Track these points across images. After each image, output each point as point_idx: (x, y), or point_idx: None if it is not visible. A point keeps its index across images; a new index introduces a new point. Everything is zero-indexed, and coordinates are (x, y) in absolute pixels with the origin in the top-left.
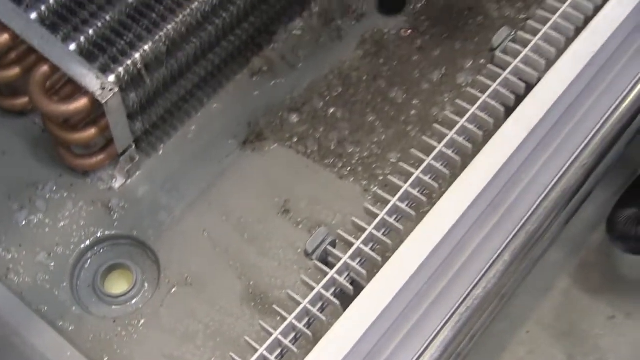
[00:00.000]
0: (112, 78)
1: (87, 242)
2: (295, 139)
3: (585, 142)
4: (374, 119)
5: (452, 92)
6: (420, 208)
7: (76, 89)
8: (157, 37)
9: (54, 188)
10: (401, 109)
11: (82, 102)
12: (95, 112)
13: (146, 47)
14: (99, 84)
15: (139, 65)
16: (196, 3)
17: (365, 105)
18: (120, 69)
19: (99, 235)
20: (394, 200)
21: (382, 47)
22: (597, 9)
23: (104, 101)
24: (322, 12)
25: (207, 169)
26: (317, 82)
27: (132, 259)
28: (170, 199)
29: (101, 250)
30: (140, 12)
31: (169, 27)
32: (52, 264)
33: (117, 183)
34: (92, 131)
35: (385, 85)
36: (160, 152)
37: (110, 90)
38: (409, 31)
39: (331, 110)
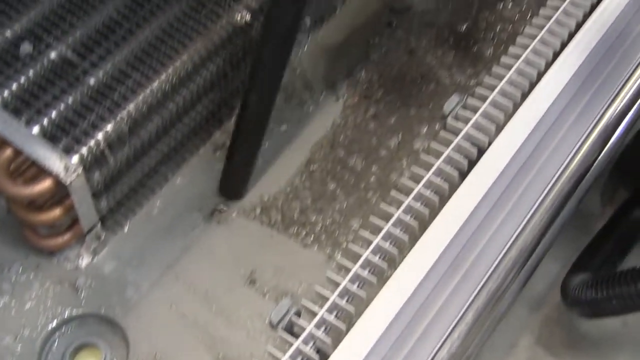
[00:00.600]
0: (75, 159)
1: (54, 323)
2: (258, 210)
3: (539, 201)
4: (335, 187)
5: (410, 157)
6: (382, 273)
7: (40, 171)
8: (119, 117)
9: (20, 270)
10: (361, 176)
11: (46, 184)
12: (60, 193)
13: (108, 128)
14: (62, 165)
15: (102, 146)
16: (156, 82)
17: (326, 174)
18: (84, 150)
19: (66, 315)
20: (355, 268)
21: (340, 116)
22: (540, 75)
23: (68, 182)
24: (283, 86)
25: (173, 244)
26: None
27: (100, 337)
28: (137, 274)
29: (69, 330)
30: (102, 93)
31: (131, 106)
32: (19, 348)
33: (84, 261)
34: (57, 211)
35: (344, 153)
36: (126, 228)
37: (74, 171)
38: (356, 99)
39: (293, 180)
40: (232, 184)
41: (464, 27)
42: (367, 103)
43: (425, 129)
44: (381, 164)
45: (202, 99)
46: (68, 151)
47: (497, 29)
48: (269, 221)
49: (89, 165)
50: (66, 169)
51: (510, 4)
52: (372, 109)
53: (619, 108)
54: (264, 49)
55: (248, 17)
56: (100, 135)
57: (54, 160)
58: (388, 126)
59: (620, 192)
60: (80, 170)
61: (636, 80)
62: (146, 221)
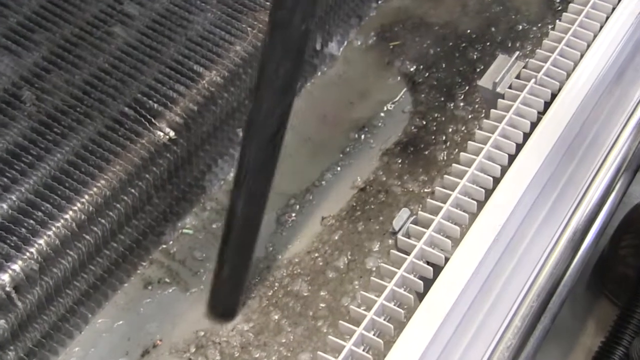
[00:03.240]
0: None
1: None
2: (193, 348)
3: (506, 322)
4: (279, 317)
5: (363, 278)
6: None
7: None
8: (27, 255)
9: None
10: (308, 302)
11: None
12: None
13: (15, 267)
14: None
15: (7, 288)
16: (70, 212)
17: (266, 301)
18: None
19: None
20: None
21: None
22: (497, 181)
23: None
24: (218, 208)
25: None
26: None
27: None
28: None
29: None
30: (6, 229)
31: (41, 242)
32: None
33: None
34: None
35: (287, 277)
36: None
37: None
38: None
39: None
40: (224, 302)
41: (414, 129)
42: None
43: (377, 246)
44: (330, 287)
45: (125, 227)
46: None
47: (449, 131)
48: None
49: None
50: None
51: (461, 103)
52: None
53: (587, 209)
54: (247, 151)
55: (172, 134)
56: (5, 277)
57: None
58: (332, 244)
59: (602, 302)
60: None
61: (603, 179)
62: None
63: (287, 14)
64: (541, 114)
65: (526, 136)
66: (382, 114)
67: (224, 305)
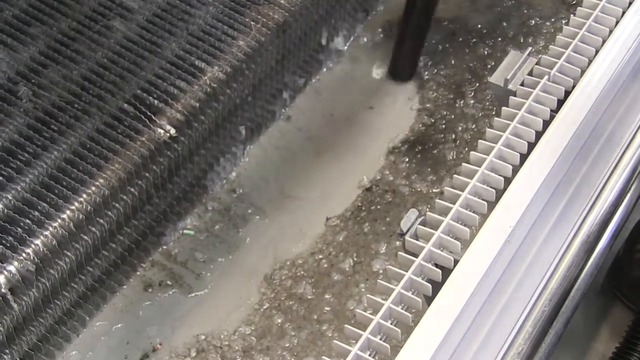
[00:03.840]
0: None
1: None
2: (193, 352)
3: (517, 327)
4: (282, 320)
5: (369, 280)
6: None
7: None
8: (23, 255)
9: None
10: (312, 305)
11: None
12: None
13: (11, 268)
14: None
15: (3, 290)
16: (68, 212)
17: (268, 304)
18: None
19: None
20: None
21: None
22: (508, 181)
23: None
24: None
25: None
26: None
27: None
28: None
29: None
30: (2, 229)
31: (37, 242)
32: None
33: None
34: None
35: (291, 280)
36: None
37: None
38: None
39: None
40: (404, 64)
41: (421, 127)
42: None
43: (384, 248)
44: (335, 290)
45: (124, 228)
46: None
47: (459, 129)
48: None
49: None
50: None
51: (471, 101)
52: None
53: (602, 211)
54: None
55: (172, 131)
56: (0, 278)
57: None
58: (336, 245)
59: (616, 307)
60: None
61: (618, 179)
62: None
63: None
64: (554, 112)
65: (538, 135)
66: (389, 112)
67: (403, 66)
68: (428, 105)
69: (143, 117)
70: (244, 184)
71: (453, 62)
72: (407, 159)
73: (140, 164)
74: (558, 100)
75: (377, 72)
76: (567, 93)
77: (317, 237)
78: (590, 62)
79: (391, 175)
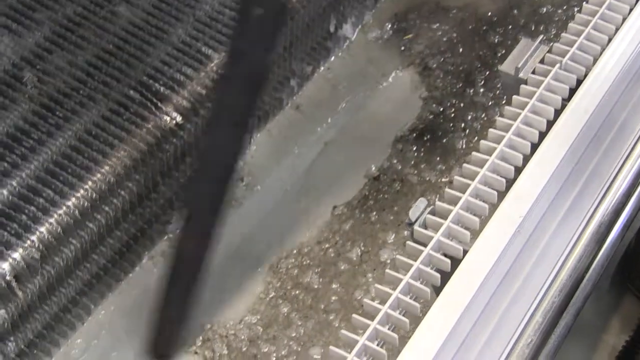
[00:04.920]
0: None
1: None
2: (199, 342)
3: (526, 318)
4: (289, 310)
5: (377, 270)
6: None
7: None
8: (28, 242)
9: None
10: (319, 295)
11: None
12: None
13: (16, 255)
14: None
15: (8, 277)
16: (73, 199)
17: (274, 293)
18: None
19: None
20: None
21: None
22: (519, 171)
23: None
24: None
25: None
26: None
27: None
28: None
29: None
30: (6, 215)
31: (42, 229)
32: None
33: None
34: None
35: (297, 269)
36: None
37: None
38: None
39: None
40: (162, 341)
41: (430, 115)
42: None
43: (392, 237)
44: (342, 280)
45: (129, 216)
46: None
47: (469, 118)
48: (212, 355)
49: None
50: None
51: (482, 89)
52: None
53: (613, 201)
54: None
55: (178, 118)
56: (5, 265)
57: None
58: (344, 234)
59: (627, 299)
60: None
61: (630, 169)
62: None
63: (248, 45)
64: (566, 100)
65: (550, 124)
66: (396, 101)
67: (162, 344)
68: (436, 93)
69: (149, 103)
70: (251, 172)
71: (462, 50)
72: (415, 148)
73: (146, 151)
74: (570, 88)
75: (385, 61)
76: (579, 81)
77: (323, 226)
78: (602, 50)
79: (399, 164)
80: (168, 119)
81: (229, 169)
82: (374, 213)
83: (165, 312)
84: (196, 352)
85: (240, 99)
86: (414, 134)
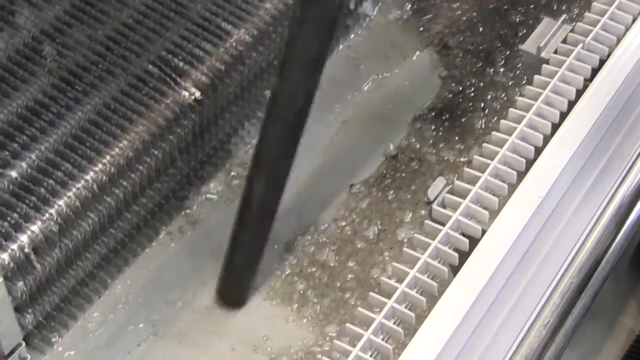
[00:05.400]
0: None
1: None
2: None
3: (544, 299)
4: (304, 287)
5: (393, 249)
6: None
7: None
8: (47, 215)
9: None
10: (335, 273)
11: None
12: None
13: (34, 228)
14: None
15: (26, 249)
16: (91, 173)
17: (289, 270)
18: (4, 256)
19: None
20: None
21: None
22: (539, 151)
23: None
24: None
25: None
26: None
27: None
28: None
29: None
30: (25, 188)
31: (61, 202)
32: None
33: None
34: None
35: (313, 247)
36: (57, 347)
37: None
38: None
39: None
40: (234, 289)
41: (449, 94)
42: None
43: (409, 216)
44: (359, 258)
45: (147, 191)
46: None
47: (488, 97)
48: None
49: (11, 273)
50: None
51: (502, 69)
52: None
53: (634, 183)
54: (270, 129)
55: (197, 94)
56: (24, 238)
57: None
58: (360, 212)
59: None
60: (0, 279)
61: None
62: (81, 337)
63: None
64: (588, 81)
65: (571, 104)
66: (415, 79)
67: (233, 292)
68: (455, 73)
69: (168, 79)
70: None
71: (482, 29)
72: (434, 127)
73: (165, 126)
74: (592, 68)
75: (405, 41)
76: (602, 62)
77: (340, 204)
78: (626, 30)
79: (418, 143)
80: (187, 94)
81: (300, 112)
82: (392, 192)
83: (236, 259)
84: (214, 332)
85: (313, 41)
86: (433, 113)
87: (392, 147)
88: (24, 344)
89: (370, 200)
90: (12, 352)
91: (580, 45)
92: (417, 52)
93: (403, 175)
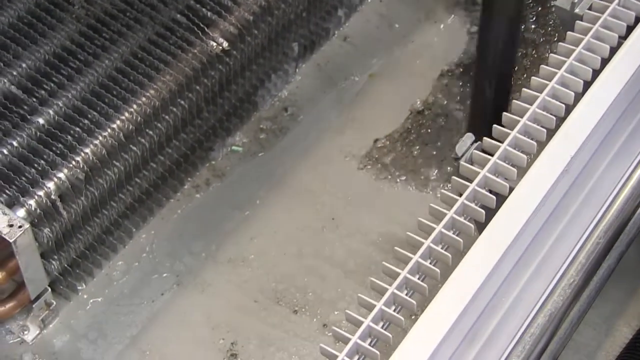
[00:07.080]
0: (21, 213)
1: None
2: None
3: (570, 257)
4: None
5: None
6: (386, 344)
7: None
8: (73, 163)
9: None
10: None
11: None
12: (3, 253)
13: (61, 175)
14: (5, 220)
15: (53, 196)
16: (118, 122)
17: (315, 222)
18: (31, 202)
19: None
20: (354, 338)
21: None
22: (569, 109)
23: (12, 240)
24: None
25: (138, 312)
26: None
27: None
28: (95, 349)
29: None
30: (52, 135)
31: (87, 150)
32: None
33: (30, 335)
34: None
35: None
36: (82, 294)
37: (20, 227)
38: None
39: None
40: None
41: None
42: None
43: (434, 173)
44: None
45: (172, 141)
46: (12, 204)
47: (519, 54)
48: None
49: (38, 220)
50: (10, 224)
51: (533, 25)
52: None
53: None
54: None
55: (225, 44)
56: (51, 185)
57: None
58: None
59: None
60: (27, 225)
61: None
62: (106, 285)
63: None
64: (622, 38)
65: (604, 62)
66: (444, 34)
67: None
68: None
69: (196, 28)
70: (296, 102)
71: None
72: (461, 84)
73: (192, 76)
74: (627, 26)
75: None
76: (638, 19)
77: (364, 158)
78: None
79: (444, 98)
80: (214, 44)
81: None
82: (417, 147)
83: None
84: (238, 285)
85: None
86: (460, 69)
87: (418, 102)
88: (49, 290)
89: (395, 155)
90: (38, 298)
91: (615, 2)
92: (446, 7)
93: (429, 130)
